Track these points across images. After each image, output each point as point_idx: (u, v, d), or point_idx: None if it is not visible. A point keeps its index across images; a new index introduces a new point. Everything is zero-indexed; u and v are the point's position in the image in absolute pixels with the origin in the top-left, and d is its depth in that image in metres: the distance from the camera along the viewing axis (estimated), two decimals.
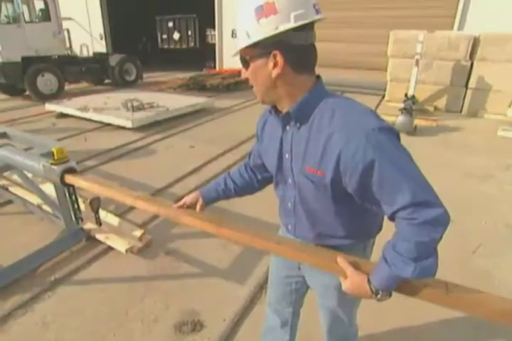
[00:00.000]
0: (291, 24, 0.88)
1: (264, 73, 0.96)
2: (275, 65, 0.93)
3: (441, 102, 7.04)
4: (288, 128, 1.05)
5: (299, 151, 1.03)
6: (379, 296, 0.93)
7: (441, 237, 0.87)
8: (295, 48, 0.92)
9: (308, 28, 0.92)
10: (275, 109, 1.07)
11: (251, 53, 0.96)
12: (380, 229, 1.21)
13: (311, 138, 0.98)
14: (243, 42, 0.94)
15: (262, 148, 1.22)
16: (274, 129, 1.12)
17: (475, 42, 6.48)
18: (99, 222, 2.09)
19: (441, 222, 0.86)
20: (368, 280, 0.94)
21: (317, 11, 0.92)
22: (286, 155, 1.08)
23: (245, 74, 1.01)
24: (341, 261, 1.01)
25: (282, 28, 0.88)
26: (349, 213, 1.08)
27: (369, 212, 1.06)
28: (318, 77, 1.02)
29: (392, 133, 0.92)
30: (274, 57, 0.92)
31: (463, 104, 6.92)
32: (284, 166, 1.11)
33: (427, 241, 0.86)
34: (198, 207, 1.37)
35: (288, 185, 1.14)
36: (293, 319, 1.53)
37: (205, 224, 1.32)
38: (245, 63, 0.99)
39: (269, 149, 1.15)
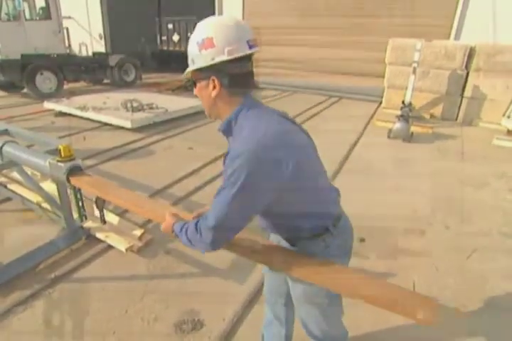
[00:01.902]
0: (225, 57, 1.06)
1: (206, 93, 1.15)
2: (214, 88, 1.11)
3: (438, 110, 7.14)
4: (228, 140, 1.24)
5: None
6: (173, 234, 1.27)
7: (196, 245, 1.18)
8: (230, 75, 1.09)
9: (244, 59, 1.09)
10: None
11: (196, 76, 1.16)
12: (320, 227, 1.22)
13: None
14: (190, 67, 1.15)
15: None
16: None
17: (471, 52, 6.59)
18: (103, 220, 2.10)
19: (205, 239, 1.13)
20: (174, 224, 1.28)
21: (251, 46, 1.09)
22: None
23: (195, 91, 1.20)
24: (167, 213, 1.36)
25: (218, 59, 1.06)
26: (272, 214, 1.22)
27: (282, 214, 1.20)
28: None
29: (254, 161, 1.01)
30: (213, 81, 1.10)
31: (458, 112, 7.02)
32: None
33: (192, 237, 1.17)
34: None
35: None
36: (287, 312, 1.58)
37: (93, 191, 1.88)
38: (193, 83, 1.18)
39: None
